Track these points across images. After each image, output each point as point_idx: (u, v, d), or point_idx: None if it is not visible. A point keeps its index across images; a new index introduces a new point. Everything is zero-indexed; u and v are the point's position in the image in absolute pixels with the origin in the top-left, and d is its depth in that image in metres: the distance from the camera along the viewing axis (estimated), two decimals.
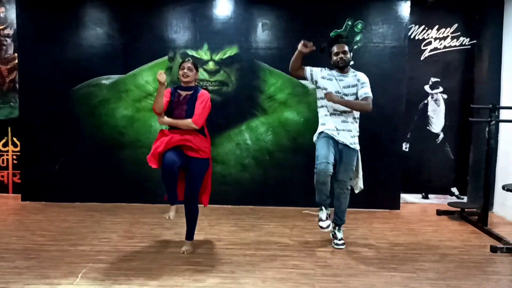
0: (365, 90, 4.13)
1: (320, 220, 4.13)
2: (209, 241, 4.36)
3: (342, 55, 4.07)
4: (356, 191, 4.38)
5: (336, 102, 4.04)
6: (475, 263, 3.96)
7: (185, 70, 3.90)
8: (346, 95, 4.10)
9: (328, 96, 4.03)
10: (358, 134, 4.21)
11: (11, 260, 3.77)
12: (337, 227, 4.29)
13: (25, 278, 3.41)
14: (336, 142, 4.12)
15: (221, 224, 4.95)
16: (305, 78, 4.27)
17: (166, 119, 3.87)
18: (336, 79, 4.13)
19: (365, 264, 3.85)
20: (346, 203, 4.26)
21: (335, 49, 4.11)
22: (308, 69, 4.20)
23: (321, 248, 4.23)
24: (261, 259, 3.91)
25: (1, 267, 3.61)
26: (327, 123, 4.16)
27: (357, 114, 4.21)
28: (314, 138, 4.26)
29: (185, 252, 3.98)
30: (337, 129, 4.12)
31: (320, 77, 4.16)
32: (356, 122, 4.21)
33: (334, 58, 4.12)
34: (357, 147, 4.19)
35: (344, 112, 4.14)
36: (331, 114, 4.16)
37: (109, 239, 4.36)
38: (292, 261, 3.89)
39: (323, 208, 4.14)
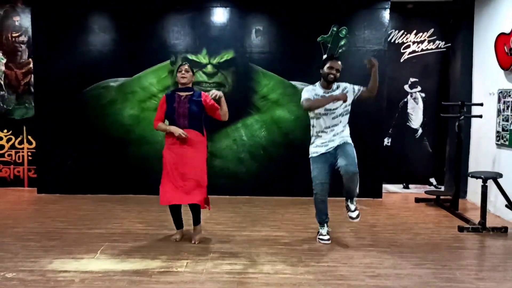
0: (358, 86, 4.36)
1: (321, 234, 4.45)
2: (210, 225, 4.91)
3: (335, 72, 4.22)
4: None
5: (375, 69, 4.23)
6: (443, 240, 4.53)
7: (183, 72, 4.22)
8: (336, 108, 4.25)
9: (373, 62, 4.22)
10: (349, 136, 4.37)
11: (38, 240, 4.31)
12: (349, 200, 4.38)
13: (52, 254, 3.95)
14: (329, 153, 4.28)
15: (220, 211, 5.50)
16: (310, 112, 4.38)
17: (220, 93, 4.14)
18: (323, 96, 4.26)
19: (346, 241, 4.41)
20: (357, 182, 4.27)
21: (329, 63, 4.23)
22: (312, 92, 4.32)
23: (309, 230, 4.78)
24: (256, 239, 4.46)
25: (29, 246, 4.15)
26: (317, 141, 4.33)
27: (346, 121, 4.36)
28: (310, 154, 4.39)
29: (197, 242, 4.32)
30: (328, 142, 4.28)
31: (313, 97, 4.26)
32: (347, 129, 4.38)
33: (327, 71, 4.23)
34: (349, 140, 4.34)
35: (335, 125, 4.29)
36: (322, 132, 4.30)
37: (121, 223, 4.91)
38: (282, 240, 4.44)
39: (324, 225, 4.46)
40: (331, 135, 4.30)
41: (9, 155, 6.64)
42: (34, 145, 6.53)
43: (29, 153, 6.63)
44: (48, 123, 6.23)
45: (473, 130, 6.17)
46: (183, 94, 4.31)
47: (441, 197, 5.99)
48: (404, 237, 4.60)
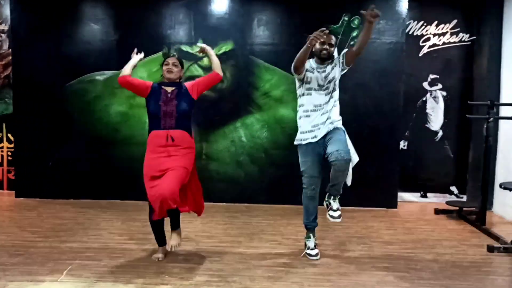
0: (344, 50, 3.79)
1: (308, 248, 3.89)
2: (200, 239, 4.29)
3: (327, 47, 3.73)
4: (348, 182, 3.81)
5: (374, 23, 3.56)
6: (471, 262, 3.87)
7: (170, 66, 3.69)
8: (329, 82, 3.75)
9: (375, 12, 3.50)
10: (339, 118, 3.83)
11: None
12: (332, 197, 3.78)
13: (8, 275, 3.36)
14: (316, 142, 3.78)
15: (214, 221, 4.88)
16: (299, 74, 3.81)
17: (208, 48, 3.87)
18: (317, 71, 3.80)
19: (357, 263, 3.77)
20: (345, 173, 3.68)
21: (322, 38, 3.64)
22: (306, 64, 3.80)
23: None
24: (251, 257, 3.83)
25: None
26: (303, 125, 3.84)
27: (336, 96, 3.83)
28: (296, 141, 3.94)
29: (174, 247, 3.71)
30: (314, 128, 3.77)
31: (305, 70, 3.80)
32: (337, 108, 3.83)
33: (318, 46, 3.72)
34: (339, 125, 3.80)
35: (326, 102, 3.77)
36: (311, 110, 3.79)
37: (99, 236, 4.31)
38: (282, 259, 3.81)
39: (311, 235, 3.91)
40: (319, 113, 3.76)
41: None
42: (14, 144, 5.95)
43: (9, 153, 6.06)
44: (28, 120, 5.65)
45: (501, 134, 5.49)
46: (169, 89, 3.69)
47: (464, 208, 5.32)
48: (425, 258, 3.94)
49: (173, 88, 3.70)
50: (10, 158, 6.06)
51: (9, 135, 6.03)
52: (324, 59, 3.77)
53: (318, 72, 3.80)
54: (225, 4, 5.53)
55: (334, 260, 3.83)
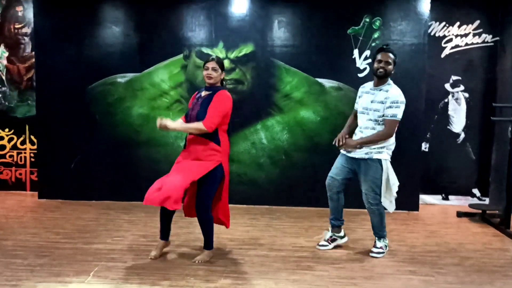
0: (392, 112, 3.80)
1: (322, 239, 4.19)
2: (223, 241, 4.30)
3: (384, 65, 3.84)
4: (390, 210, 4.02)
5: (351, 146, 3.93)
6: (497, 267, 3.82)
7: (209, 71, 3.65)
8: (371, 110, 3.88)
9: (345, 145, 3.97)
10: (380, 147, 3.89)
11: (24, 257, 3.77)
12: (376, 238, 4.08)
13: (36, 276, 3.40)
14: (349, 158, 3.99)
15: (235, 223, 4.88)
16: None
17: (171, 124, 3.57)
18: (367, 93, 3.97)
19: (381, 266, 3.75)
20: (376, 219, 3.99)
21: (378, 56, 3.88)
22: (356, 108, 4.13)
23: (337, 249, 4.13)
24: (275, 260, 3.84)
25: (14, 264, 3.62)
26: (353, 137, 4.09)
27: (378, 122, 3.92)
28: None
29: (198, 262, 3.73)
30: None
31: (358, 97, 4.10)
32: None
33: (375, 65, 3.89)
34: (375, 156, 3.88)
35: (367, 128, 3.92)
36: (357, 128, 4.06)
37: (123, 237, 4.34)
38: (306, 262, 3.81)
39: (329, 229, 4.19)
40: (359, 136, 3.96)
41: (11, 156, 6.16)
42: (37, 145, 6.02)
43: (32, 154, 6.13)
44: (50, 122, 5.70)
45: None
46: (205, 93, 3.73)
47: (488, 211, 5.25)
48: (449, 262, 3.90)
49: (209, 93, 3.71)
50: (33, 159, 6.13)
51: (32, 137, 6.10)
52: (381, 76, 3.88)
53: (368, 93, 3.97)
54: (245, 6, 5.53)
55: (358, 263, 3.81)
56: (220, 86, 3.77)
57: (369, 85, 4.03)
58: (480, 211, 5.25)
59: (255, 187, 5.66)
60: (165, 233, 3.89)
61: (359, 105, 4.03)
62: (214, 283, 3.36)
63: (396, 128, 3.88)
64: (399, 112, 3.81)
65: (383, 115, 3.83)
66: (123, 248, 4.04)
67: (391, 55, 3.88)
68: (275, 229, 4.72)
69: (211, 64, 3.67)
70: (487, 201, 5.86)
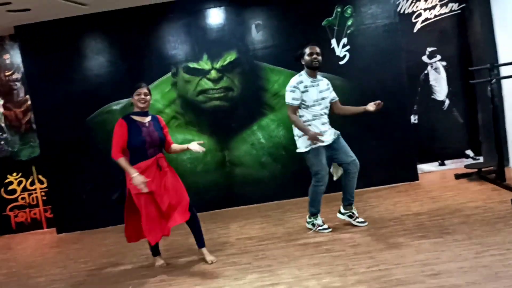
0: (335, 94, 4.41)
1: (319, 226, 4.43)
2: (241, 241, 4.53)
3: (316, 56, 4.15)
4: (335, 178, 4.47)
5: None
6: (499, 218, 4.09)
7: (142, 96, 3.88)
8: (323, 98, 4.25)
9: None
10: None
11: None
12: (351, 207, 4.46)
13: None
14: (326, 146, 4.26)
15: (249, 223, 5.12)
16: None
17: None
18: (312, 86, 4.20)
19: (393, 237, 4.00)
20: (355, 181, 4.40)
21: (308, 50, 4.16)
22: (298, 103, 4.21)
23: (349, 230, 4.38)
24: (294, 249, 4.08)
25: None
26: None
27: (328, 107, 4.35)
28: (302, 149, 4.30)
29: (213, 262, 4.03)
30: (322, 133, 4.21)
31: (301, 93, 4.18)
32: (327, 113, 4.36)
33: (308, 58, 4.16)
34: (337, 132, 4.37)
35: (322, 115, 4.24)
36: (311, 120, 4.22)
37: (148, 255, 4.55)
38: (323, 246, 4.05)
39: (318, 216, 4.46)
40: (319, 123, 4.23)
41: (23, 198, 6.35)
42: (46, 184, 6.23)
43: (43, 193, 6.33)
44: (56, 158, 5.91)
45: (505, 93, 5.69)
46: (145, 120, 3.94)
47: (483, 169, 5.53)
48: (455, 221, 4.17)
49: (148, 118, 3.96)
50: (44, 198, 6.33)
51: (40, 177, 6.30)
52: (316, 67, 4.18)
53: (313, 86, 4.22)
54: (222, 16, 5.76)
55: (371, 238, 4.06)
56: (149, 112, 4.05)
57: (306, 79, 4.21)
58: (476, 170, 5.53)
59: (261, 186, 5.89)
60: (157, 250, 4.22)
61: (308, 99, 4.17)
62: (242, 280, 3.60)
63: None
64: None
65: (332, 99, 4.35)
66: (150, 265, 4.27)
67: (317, 47, 4.20)
68: (288, 222, 4.97)
69: (143, 90, 3.90)
70: (481, 159, 6.13)
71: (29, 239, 5.98)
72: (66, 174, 5.93)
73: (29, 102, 6.15)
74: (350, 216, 4.47)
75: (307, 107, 4.21)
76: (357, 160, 4.30)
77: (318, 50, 4.18)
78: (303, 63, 4.24)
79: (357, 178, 4.36)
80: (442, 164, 6.22)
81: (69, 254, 5.05)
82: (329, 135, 4.26)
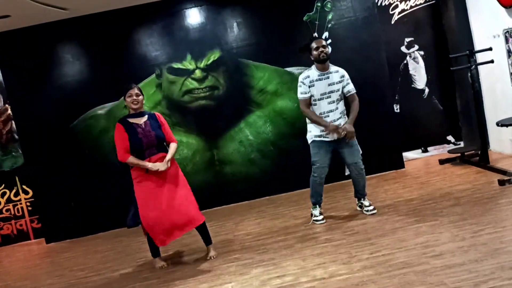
0: (351, 86, 4.35)
1: (315, 216, 4.53)
2: (240, 238, 4.56)
3: (322, 49, 4.21)
4: (346, 174, 4.62)
5: (352, 131, 4.25)
6: (488, 198, 4.24)
7: (134, 97, 3.86)
8: (332, 92, 4.26)
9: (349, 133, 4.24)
10: (344, 116, 4.36)
11: None
12: (362, 198, 4.54)
13: None
14: (330, 142, 4.32)
15: (244, 220, 5.15)
16: None
17: (164, 166, 3.82)
18: (319, 80, 4.25)
19: (390, 223, 4.10)
20: (364, 179, 4.47)
21: (314, 44, 4.24)
22: (307, 96, 4.29)
23: (345, 219, 4.46)
24: (294, 242, 4.13)
25: None
26: (313, 130, 4.36)
27: (343, 107, 4.36)
28: (308, 139, 4.45)
29: (212, 257, 4.09)
30: (324, 132, 4.29)
31: (308, 87, 4.27)
32: (345, 115, 4.36)
33: (315, 53, 4.23)
34: None
35: (331, 111, 4.28)
36: (321, 114, 4.29)
37: (146, 257, 4.53)
38: (323, 236, 4.12)
39: (317, 207, 4.54)
40: (329, 118, 4.28)
41: (7, 210, 6.20)
42: (31, 194, 6.10)
43: (28, 203, 6.20)
44: (41, 167, 5.81)
45: (482, 78, 5.87)
46: (140, 121, 3.92)
47: (466, 153, 5.71)
48: (447, 204, 4.30)
49: (144, 118, 3.93)
50: (30, 208, 6.19)
51: (24, 187, 6.17)
52: (324, 60, 4.24)
53: (320, 80, 4.26)
54: (203, 16, 5.76)
55: (368, 226, 4.15)
56: (146, 110, 4.06)
57: (314, 73, 4.28)
58: (459, 154, 5.70)
59: (252, 182, 5.93)
60: (157, 251, 4.18)
61: (314, 93, 4.26)
62: (248, 274, 3.62)
63: None
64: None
65: (346, 92, 4.32)
66: (150, 266, 4.24)
67: (323, 40, 4.31)
68: (283, 215, 5.02)
69: (134, 91, 3.89)
70: (462, 144, 6.32)
71: (17, 251, 5.85)
72: (52, 182, 5.83)
73: (8, 111, 6.02)
74: (360, 207, 4.57)
75: (315, 100, 4.27)
76: (359, 164, 4.35)
77: (324, 43, 4.25)
78: (312, 58, 4.30)
79: (362, 179, 4.43)
80: (425, 151, 6.39)
81: (63, 263, 4.97)
82: (332, 135, 4.28)
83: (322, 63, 4.27)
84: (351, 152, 4.34)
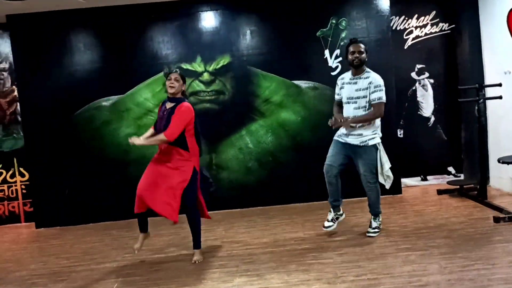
0: (378, 95, 4.15)
1: (326, 220, 4.48)
2: (227, 245, 4.53)
3: (358, 55, 4.18)
4: (387, 186, 4.38)
5: (348, 126, 4.19)
6: (481, 234, 4.20)
7: (172, 81, 3.96)
8: (358, 97, 4.20)
9: (344, 124, 4.19)
10: (373, 133, 4.25)
11: (43, 284, 3.92)
12: (372, 217, 4.46)
13: None
14: (345, 144, 4.28)
15: (234, 227, 5.12)
16: None
17: (138, 140, 3.94)
18: (349, 83, 4.28)
19: (380, 247, 4.06)
20: (373, 196, 4.35)
21: (351, 48, 4.22)
22: (339, 97, 4.42)
23: (335, 238, 4.43)
24: (281, 255, 4.10)
25: None
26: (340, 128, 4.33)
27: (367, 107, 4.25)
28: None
29: (197, 262, 4.05)
30: (346, 134, 4.27)
31: (340, 88, 4.38)
32: (369, 124, 4.22)
33: (350, 57, 4.22)
34: (371, 142, 4.22)
35: (355, 117, 4.23)
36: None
37: (132, 253, 4.50)
38: (311, 253, 4.08)
39: (331, 209, 4.48)
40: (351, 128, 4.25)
41: (1, 190, 6.20)
42: (27, 177, 6.11)
43: (23, 186, 6.20)
44: (40, 152, 5.81)
45: (489, 113, 5.84)
46: (168, 106, 4.00)
47: (465, 186, 5.66)
48: (439, 235, 4.26)
49: (172, 104, 3.98)
50: (24, 191, 6.19)
51: (21, 169, 6.17)
52: (357, 66, 4.22)
53: (349, 83, 4.26)
54: (217, 20, 5.78)
55: (359, 248, 4.11)
56: (182, 98, 4.06)
57: (348, 75, 4.35)
58: (458, 187, 5.66)
59: (247, 191, 5.90)
60: (144, 226, 4.20)
61: (343, 96, 4.32)
62: (230, 282, 3.59)
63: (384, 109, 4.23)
64: (383, 95, 4.19)
65: (370, 100, 4.18)
66: (135, 263, 4.23)
67: (361, 45, 4.26)
68: (274, 227, 4.99)
69: (174, 75, 4.00)
70: (462, 177, 6.28)
71: (6, 233, 5.84)
72: (49, 168, 5.83)
73: (15, 93, 6.04)
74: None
75: (344, 103, 4.32)
76: (367, 177, 4.25)
77: (361, 48, 4.21)
78: (347, 61, 4.31)
79: (370, 193, 4.33)
80: (424, 179, 6.35)
81: (50, 249, 4.96)
82: (351, 140, 4.23)
83: (355, 68, 4.26)
84: (360, 162, 4.26)
